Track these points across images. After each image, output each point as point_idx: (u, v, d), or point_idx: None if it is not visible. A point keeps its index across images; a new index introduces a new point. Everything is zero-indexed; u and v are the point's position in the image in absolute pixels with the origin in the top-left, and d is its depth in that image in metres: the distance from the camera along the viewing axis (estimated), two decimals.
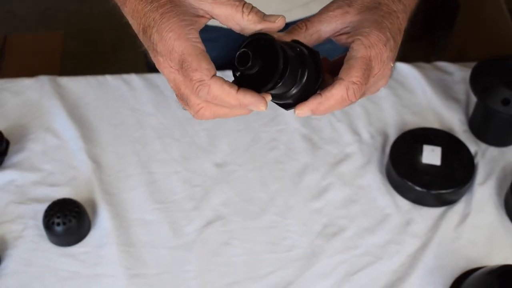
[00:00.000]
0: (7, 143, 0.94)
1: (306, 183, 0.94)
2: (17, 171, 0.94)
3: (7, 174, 0.93)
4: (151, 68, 1.20)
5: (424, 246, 0.88)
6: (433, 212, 0.91)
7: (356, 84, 0.55)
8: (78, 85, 1.05)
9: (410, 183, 0.90)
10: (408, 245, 0.88)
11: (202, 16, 0.56)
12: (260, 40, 0.53)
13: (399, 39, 0.59)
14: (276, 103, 0.58)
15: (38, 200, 0.90)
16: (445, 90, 1.06)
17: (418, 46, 1.97)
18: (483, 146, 0.98)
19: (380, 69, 0.57)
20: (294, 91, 0.56)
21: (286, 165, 0.96)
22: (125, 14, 0.58)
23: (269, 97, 0.54)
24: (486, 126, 0.97)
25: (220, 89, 0.53)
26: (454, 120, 1.01)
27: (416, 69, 1.08)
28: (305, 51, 0.57)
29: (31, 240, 0.87)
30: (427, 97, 1.05)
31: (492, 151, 0.97)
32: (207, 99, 0.53)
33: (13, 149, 0.96)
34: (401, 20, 0.59)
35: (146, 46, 0.56)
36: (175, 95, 1.04)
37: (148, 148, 0.98)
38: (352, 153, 0.98)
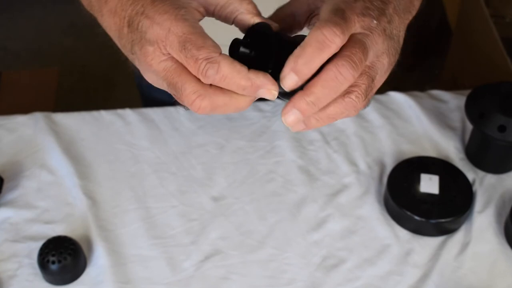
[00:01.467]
0: (2, 180, 0.93)
1: (305, 215, 0.93)
2: (12, 209, 0.92)
3: (2, 212, 0.92)
4: (147, 102, 1.21)
5: (425, 277, 0.86)
6: (433, 242, 0.90)
7: (331, 21, 0.48)
8: (72, 121, 1.05)
9: (409, 213, 0.89)
10: (409, 276, 0.87)
11: (196, 9, 0.52)
12: (259, 30, 0.51)
13: (385, 7, 0.52)
14: (281, 99, 0.54)
15: (33, 238, 0.89)
16: (440, 118, 1.05)
17: (411, 76, 1.98)
18: (481, 173, 0.97)
19: (358, 23, 0.49)
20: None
21: (283, 197, 0.96)
22: (102, 19, 0.53)
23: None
24: (483, 153, 0.96)
25: (231, 66, 0.48)
26: (450, 148, 1.01)
27: (411, 98, 1.08)
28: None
29: (26, 279, 0.86)
30: (422, 125, 1.05)
31: (490, 178, 0.97)
32: (215, 79, 0.48)
33: (8, 186, 0.95)
34: (391, 10, 0.53)
35: (129, 46, 0.51)
36: (171, 129, 1.04)
37: (144, 183, 0.97)
38: (350, 184, 0.97)
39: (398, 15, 0.54)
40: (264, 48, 0.50)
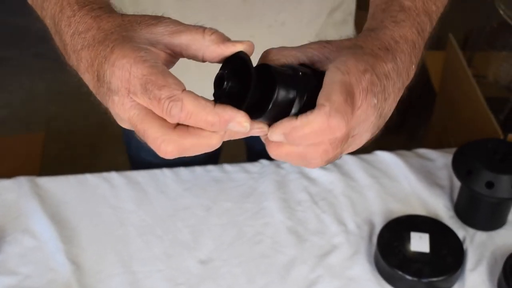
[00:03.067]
0: None
1: (294, 277, 0.91)
2: None
3: None
4: (134, 163, 1.20)
5: None
6: None
7: (340, 111, 0.47)
8: (57, 185, 1.03)
9: (400, 272, 0.87)
10: None
11: (161, 51, 0.50)
12: (238, 60, 0.48)
13: (387, 84, 0.52)
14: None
15: None
16: (428, 177, 1.05)
17: (396, 139, 1.99)
18: (471, 231, 0.96)
19: (362, 101, 0.49)
20: (293, 113, 0.49)
21: (272, 259, 0.94)
22: (84, 77, 0.52)
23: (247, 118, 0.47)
24: (472, 211, 0.96)
25: (195, 102, 0.46)
26: (439, 206, 1.00)
27: (398, 157, 1.08)
28: (309, 71, 0.51)
29: None
30: (410, 184, 1.04)
31: (481, 236, 0.96)
32: (181, 117, 0.46)
33: None
34: (390, 70, 0.52)
35: (102, 99, 0.50)
36: (157, 192, 1.03)
37: (129, 246, 0.95)
38: (339, 244, 0.96)
39: (395, 92, 0.53)
40: (244, 79, 0.47)
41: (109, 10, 0.53)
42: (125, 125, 0.51)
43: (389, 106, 0.53)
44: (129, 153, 1.23)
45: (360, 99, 0.49)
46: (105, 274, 0.91)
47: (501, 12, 1.38)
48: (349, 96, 0.48)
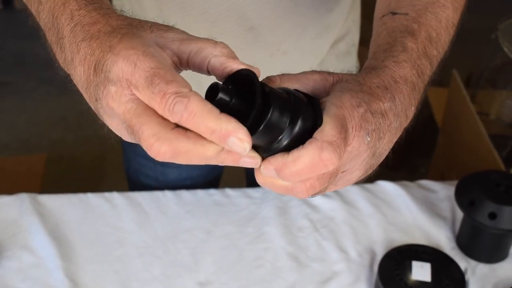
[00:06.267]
0: None
1: None
2: None
3: None
4: (133, 188, 1.20)
5: None
6: None
7: (333, 144, 0.46)
8: (58, 203, 1.03)
9: None
10: None
11: (169, 57, 0.48)
12: (244, 76, 0.46)
13: (382, 122, 0.51)
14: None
15: None
16: (430, 208, 1.05)
17: (397, 175, 1.99)
18: (473, 263, 0.96)
19: (355, 137, 0.48)
20: (283, 141, 0.46)
21: (272, 284, 0.93)
22: (75, 72, 0.49)
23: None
24: (474, 242, 0.95)
25: (201, 104, 0.43)
26: (441, 237, 1.00)
27: (401, 187, 1.08)
28: (303, 97, 0.49)
29: None
30: (412, 214, 1.04)
31: (482, 268, 0.95)
32: (183, 116, 0.43)
33: None
34: (387, 109, 0.51)
35: (94, 92, 0.47)
36: (158, 213, 1.02)
37: (128, 266, 0.94)
38: (340, 271, 0.95)
39: (391, 132, 0.52)
40: (248, 98, 0.44)
41: (118, 12, 0.51)
42: (114, 121, 0.47)
43: (384, 146, 0.52)
44: (129, 177, 1.23)
45: (353, 134, 0.48)
46: None
47: (505, 49, 1.39)
48: (343, 130, 0.47)
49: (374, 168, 0.53)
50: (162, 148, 0.43)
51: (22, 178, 1.61)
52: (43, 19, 0.54)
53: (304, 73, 0.53)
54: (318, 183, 0.48)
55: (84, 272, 0.93)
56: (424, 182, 1.10)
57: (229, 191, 1.07)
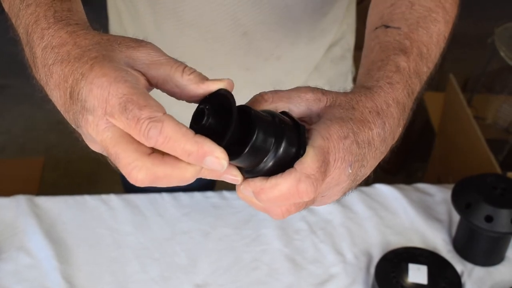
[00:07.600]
0: None
1: None
2: None
3: None
4: (128, 192, 1.20)
5: None
6: None
7: (311, 178, 0.47)
8: (55, 205, 1.03)
9: None
10: None
11: (141, 76, 0.48)
12: (220, 98, 0.46)
13: (368, 151, 0.51)
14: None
15: None
16: (427, 211, 1.05)
17: (394, 179, 1.99)
18: (469, 265, 0.96)
19: (336, 169, 0.49)
20: (265, 166, 0.47)
21: (269, 286, 0.93)
22: (51, 94, 0.50)
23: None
24: (471, 245, 0.95)
25: (175, 127, 0.43)
26: (438, 240, 1.00)
27: (397, 191, 1.08)
28: (289, 122, 0.49)
29: None
30: (409, 217, 1.04)
31: (479, 271, 0.95)
32: (158, 141, 0.43)
33: None
34: (375, 136, 0.52)
35: (73, 118, 0.47)
36: (155, 215, 1.02)
37: (125, 268, 0.94)
38: (337, 274, 0.95)
39: (375, 158, 0.53)
40: (224, 116, 0.45)
41: (86, 27, 0.51)
42: (95, 147, 0.49)
43: (365, 172, 0.53)
44: (124, 182, 1.22)
45: (334, 166, 0.49)
46: None
47: (502, 54, 1.40)
48: (324, 163, 0.48)
49: (352, 189, 0.54)
50: (139, 175, 0.44)
51: (19, 181, 1.61)
52: (21, 33, 0.54)
53: (297, 89, 0.53)
54: (293, 208, 0.50)
55: (81, 274, 0.93)
56: (421, 185, 1.11)
57: (226, 193, 1.07)
